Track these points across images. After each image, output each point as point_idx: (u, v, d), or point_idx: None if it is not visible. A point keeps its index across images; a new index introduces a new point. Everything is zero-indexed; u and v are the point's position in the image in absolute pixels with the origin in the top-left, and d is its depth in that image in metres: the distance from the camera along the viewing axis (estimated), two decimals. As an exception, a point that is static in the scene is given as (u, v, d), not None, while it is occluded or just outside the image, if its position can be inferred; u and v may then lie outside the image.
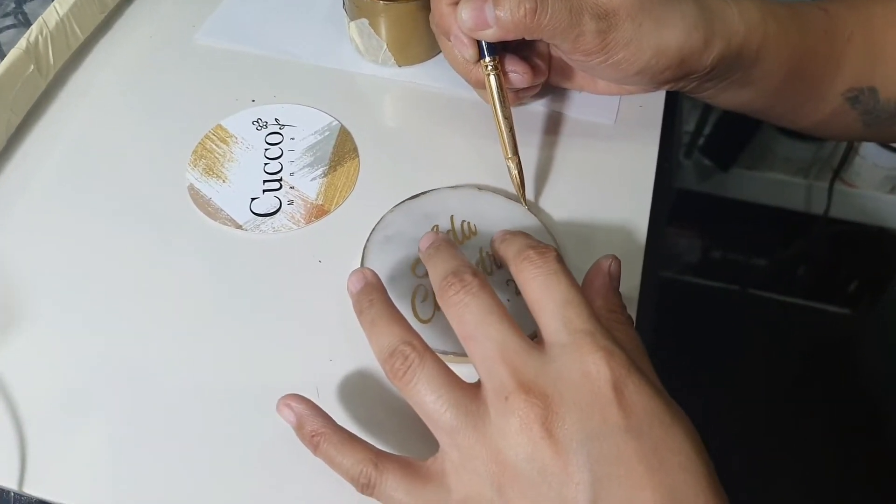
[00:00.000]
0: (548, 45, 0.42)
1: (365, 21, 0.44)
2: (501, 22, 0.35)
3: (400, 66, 0.46)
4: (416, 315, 0.35)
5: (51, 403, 0.34)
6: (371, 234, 0.38)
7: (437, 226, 0.38)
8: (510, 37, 0.36)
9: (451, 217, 0.38)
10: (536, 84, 0.41)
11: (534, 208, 0.40)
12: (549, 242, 0.37)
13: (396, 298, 0.33)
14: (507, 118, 0.39)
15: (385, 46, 0.45)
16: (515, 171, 0.39)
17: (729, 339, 0.77)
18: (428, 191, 0.39)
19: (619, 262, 0.33)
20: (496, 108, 0.38)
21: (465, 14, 0.36)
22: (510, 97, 0.40)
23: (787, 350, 0.74)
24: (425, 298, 0.35)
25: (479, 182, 0.41)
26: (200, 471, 0.32)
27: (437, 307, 0.35)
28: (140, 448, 0.33)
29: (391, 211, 0.39)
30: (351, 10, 0.44)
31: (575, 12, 0.35)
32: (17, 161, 0.42)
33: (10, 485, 0.31)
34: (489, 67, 0.38)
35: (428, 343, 0.29)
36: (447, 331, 0.32)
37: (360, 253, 0.37)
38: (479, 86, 0.40)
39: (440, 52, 0.46)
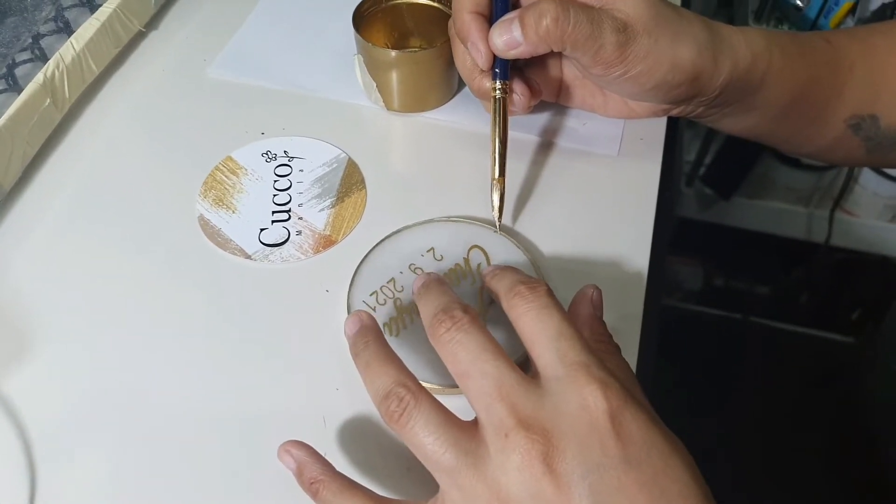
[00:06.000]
0: (560, 66, 0.43)
1: (361, 57, 0.45)
2: (529, 37, 0.37)
3: (388, 110, 0.47)
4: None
5: (61, 430, 0.34)
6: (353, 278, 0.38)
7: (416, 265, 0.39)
8: (540, 50, 0.38)
9: (433, 251, 0.39)
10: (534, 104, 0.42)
11: (525, 237, 0.41)
12: (530, 271, 0.38)
13: None
14: (503, 141, 0.40)
15: (375, 86, 0.46)
16: (497, 195, 0.40)
17: (731, 366, 0.77)
18: (403, 228, 0.40)
19: (601, 291, 0.34)
20: (495, 130, 0.40)
21: (498, 39, 0.38)
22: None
23: (790, 377, 0.75)
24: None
25: (486, 215, 0.41)
26: (208, 497, 0.32)
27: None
28: (149, 475, 0.33)
29: (372, 250, 0.39)
30: (356, 45, 0.45)
31: (596, 23, 0.36)
32: (33, 192, 0.43)
33: (21, 512, 0.32)
34: (499, 91, 0.40)
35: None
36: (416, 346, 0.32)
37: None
38: (481, 96, 0.42)
39: (434, 107, 0.47)
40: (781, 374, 0.76)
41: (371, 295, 0.38)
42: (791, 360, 0.79)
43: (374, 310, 0.37)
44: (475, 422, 0.28)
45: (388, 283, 0.38)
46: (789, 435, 0.69)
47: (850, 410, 0.70)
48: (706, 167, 1.06)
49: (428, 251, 0.39)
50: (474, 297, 0.37)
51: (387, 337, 0.35)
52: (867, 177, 0.99)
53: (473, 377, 0.28)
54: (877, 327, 1.03)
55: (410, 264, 0.39)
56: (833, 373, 0.77)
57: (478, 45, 0.39)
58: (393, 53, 0.43)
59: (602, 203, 0.43)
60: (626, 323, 0.37)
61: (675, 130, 0.48)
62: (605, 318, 0.34)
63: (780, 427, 0.70)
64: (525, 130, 0.45)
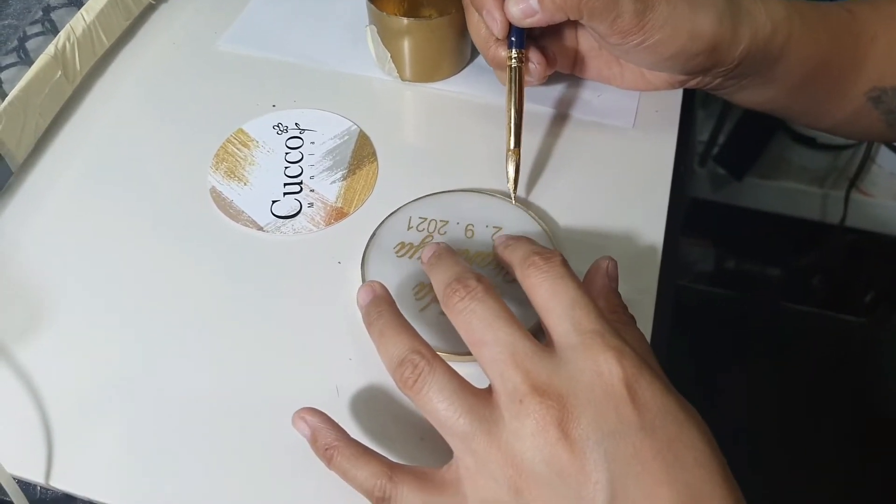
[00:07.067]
0: (576, 36, 0.43)
1: (374, 28, 0.44)
2: (545, 6, 0.37)
3: (402, 80, 0.46)
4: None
5: (77, 399, 0.34)
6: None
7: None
8: (556, 19, 0.38)
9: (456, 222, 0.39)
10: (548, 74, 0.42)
11: (540, 209, 0.40)
12: (548, 246, 0.37)
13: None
14: (519, 112, 0.39)
15: (389, 56, 0.45)
16: (512, 166, 0.39)
17: (743, 348, 0.77)
18: (425, 196, 0.40)
19: (616, 262, 0.33)
20: (511, 100, 0.39)
21: (514, 7, 0.38)
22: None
23: (803, 360, 0.74)
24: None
25: (499, 187, 0.41)
26: (222, 468, 0.33)
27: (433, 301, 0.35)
28: (162, 445, 0.33)
29: (388, 218, 0.39)
30: (369, 15, 0.45)
31: None
32: (45, 163, 0.43)
33: (38, 478, 0.32)
34: (514, 59, 0.39)
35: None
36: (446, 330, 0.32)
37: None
38: (496, 65, 0.41)
39: (447, 76, 0.46)
40: (794, 356, 0.76)
41: (421, 218, 0.38)
42: (804, 342, 0.79)
43: (409, 228, 0.38)
44: (489, 389, 0.28)
45: (440, 220, 0.38)
46: (801, 414, 0.68)
47: (862, 391, 0.70)
48: (719, 147, 1.04)
49: (494, 227, 0.38)
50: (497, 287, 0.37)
51: (391, 251, 0.36)
52: (884, 156, 0.98)
53: (488, 345, 0.28)
54: (891, 309, 1.02)
55: (469, 225, 0.38)
56: (845, 354, 0.77)
57: (493, 13, 0.39)
58: (406, 21, 0.43)
59: (617, 175, 0.42)
60: (640, 296, 0.37)
61: (690, 105, 0.47)
62: (619, 291, 0.34)
63: (793, 407, 0.69)
64: (539, 102, 0.45)
